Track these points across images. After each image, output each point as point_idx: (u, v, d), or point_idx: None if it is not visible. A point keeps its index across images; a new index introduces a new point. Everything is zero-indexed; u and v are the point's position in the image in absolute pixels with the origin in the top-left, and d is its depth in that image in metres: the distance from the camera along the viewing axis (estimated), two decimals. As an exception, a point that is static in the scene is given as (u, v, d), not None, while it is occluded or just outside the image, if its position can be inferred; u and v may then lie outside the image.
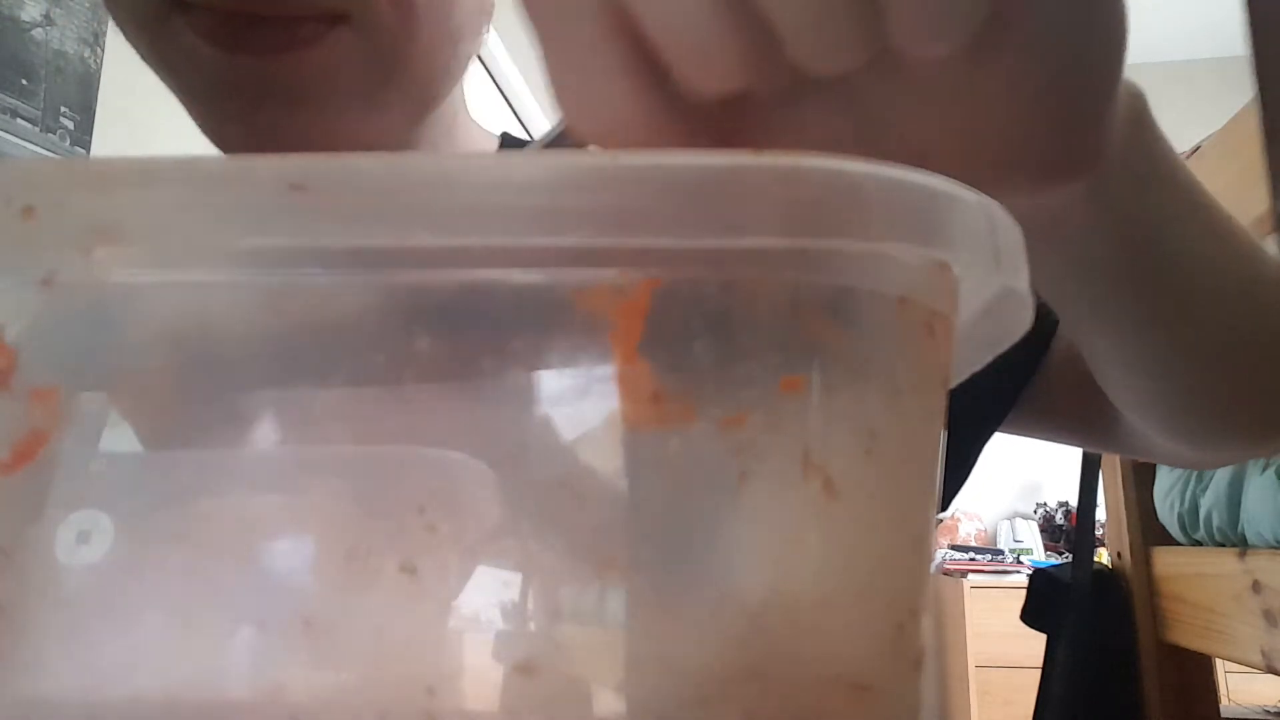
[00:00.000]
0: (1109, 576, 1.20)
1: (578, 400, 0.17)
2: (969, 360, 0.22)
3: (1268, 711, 1.84)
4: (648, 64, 0.19)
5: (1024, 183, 0.22)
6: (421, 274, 0.17)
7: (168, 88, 0.38)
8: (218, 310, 0.18)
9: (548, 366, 0.17)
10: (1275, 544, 0.92)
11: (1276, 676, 0.91)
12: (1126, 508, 1.21)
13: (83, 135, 1.28)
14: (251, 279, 0.17)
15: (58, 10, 1.25)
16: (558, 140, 0.21)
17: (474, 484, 0.18)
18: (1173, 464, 0.49)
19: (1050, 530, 3.05)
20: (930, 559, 0.19)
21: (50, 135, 1.23)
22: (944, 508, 0.45)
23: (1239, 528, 0.99)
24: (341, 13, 0.35)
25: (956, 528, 3.10)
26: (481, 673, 0.17)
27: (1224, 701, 1.48)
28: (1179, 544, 1.13)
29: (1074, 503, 1.18)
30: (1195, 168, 0.33)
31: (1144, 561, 1.18)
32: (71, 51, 1.27)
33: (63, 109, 1.25)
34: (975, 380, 0.24)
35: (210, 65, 0.35)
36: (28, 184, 0.16)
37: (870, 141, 0.21)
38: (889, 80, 0.20)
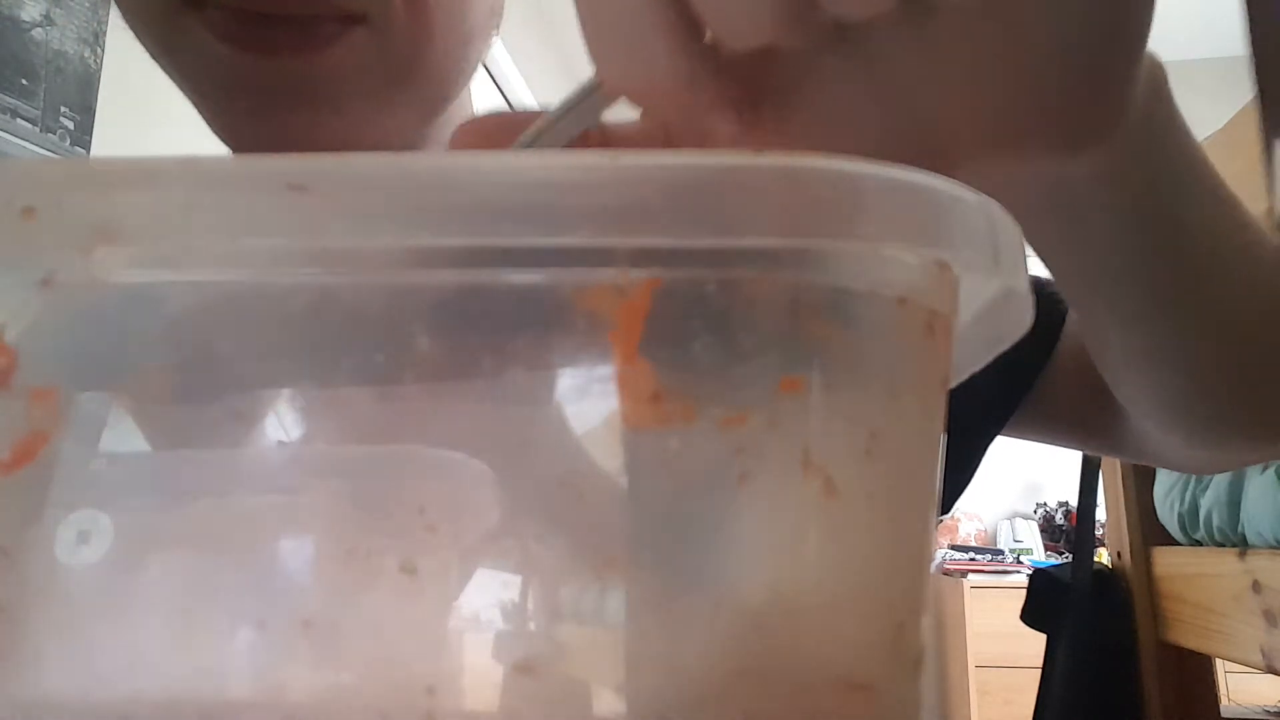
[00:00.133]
0: (1109, 576, 1.20)
1: (578, 400, 0.17)
2: (969, 360, 0.22)
3: (1268, 711, 1.84)
4: (682, 20, 0.19)
5: (1045, 147, 0.22)
6: (421, 274, 0.17)
7: (177, 87, 0.38)
8: (218, 310, 0.18)
9: (548, 366, 0.17)
10: (1275, 544, 0.92)
11: (1276, 676, 0.91)
12: (1126, 508, 1.21)
13: (83, 135, 1.28)
14: (251, 279, 0.17)
15: (58, 10, 1.25)
16: (590, 95, 0.21)
17: (474, 484, 0.18)
18: (1176, 468, 0.49)
19: (1050, 530, 3.05)
20: (930, 559, 0.19)
21: (50, 135, 1.23)
22: (947, 509, 0.45)
23: (1239, 528, 0.99)
24: (358, 14, 0.35)
25: (956, 528, 3.10)
26: (481, 673, 0.17)
27: (1224, 701, 1.48)
28: (1179, 544, 1.14)
29: (1074, 503, 1.18)
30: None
31: (1144, 561, 1.18)
32: (71, 51, 1.27)
33: (63, 109, 1.25)
34: (979, 382, 0.24)
35: (223, 64, 0.35)
36: (28, 184, 0.16)
37: (891, 103, 0.21)
38: (914, 39, 0.20)
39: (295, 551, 0.18)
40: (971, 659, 2.56)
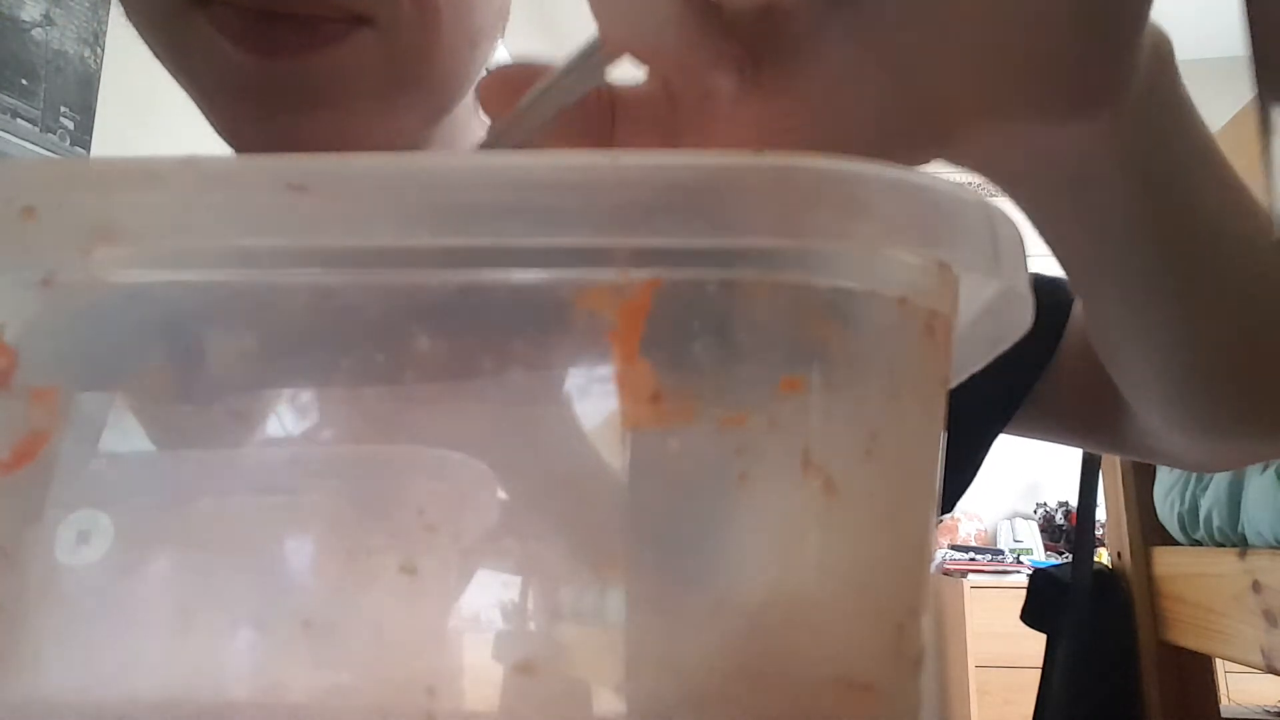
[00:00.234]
0: (1109, 576, 1.20)
1: (578, 400, 0.17)
2: (969, 360, 0.22)
3: (1268, 711, 1.84)
4: None
5: (1047, 110, 0.22)
6: (421, 274, 0.17)
7: (181, 87, 0.38)
8: (218, 310, 0.18)
9: (548, 366, 0.17)
10: (1275, 544, 0.92)
11: (1276, 676, 0.91)
12: (1126, 508, 1.21)
13: (83, 135, 1.28)
14: (251, 279, 0.17)
15: (58, 10, 1.25)
16: (594, 54, 0.21)
17: (474, 484, 0.18)
18: (1178, 465, 0.48)
19: (1050, 530, 3.05)
20: (930, 559, 0.19)
21: (50, 135, 1.23)
22: (948, 509, 0.45)
23: (1239, 528, 0.99)
24: (364, 14, 0.35)
25: (956, 528, 3.09)
26: (481, 673, 0.17)
27: (1224, 701, 1.48)
28: (1179, 544, 1.13)
29: (1074, 503, 1.18)
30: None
31: (1144, 561, 1.18)
32: (71, 51, 1.27)
33: (63, 109, 1.25)
34: (980, 381, 0.24)
35: (229, 64, 0.35)
36: (28, 184, 0.16)
37: (892, 63, 0.21)
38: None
39: (295, 551, 0.18)
40: (971, 659, 2.56)
